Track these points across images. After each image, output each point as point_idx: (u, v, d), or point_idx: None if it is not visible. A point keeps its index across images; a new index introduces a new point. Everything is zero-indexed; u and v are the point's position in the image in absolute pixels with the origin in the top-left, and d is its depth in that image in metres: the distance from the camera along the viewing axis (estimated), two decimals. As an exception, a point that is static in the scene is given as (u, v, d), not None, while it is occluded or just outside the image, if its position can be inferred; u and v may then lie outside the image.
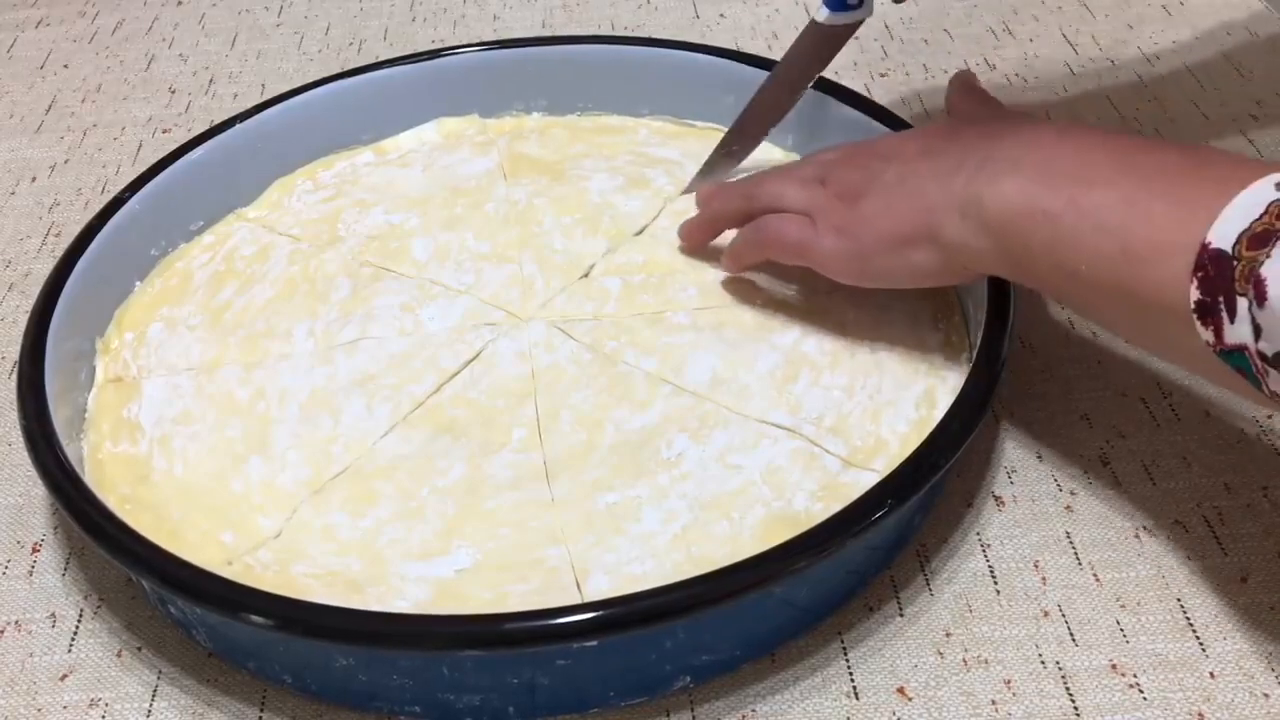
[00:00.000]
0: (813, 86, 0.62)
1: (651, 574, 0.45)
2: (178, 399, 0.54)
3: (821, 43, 0.60)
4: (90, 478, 0.50)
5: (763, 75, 0.63)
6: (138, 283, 0.61)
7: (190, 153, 0.63)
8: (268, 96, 0.69)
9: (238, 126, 0.65)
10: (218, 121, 0.66)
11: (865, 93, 0.64)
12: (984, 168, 0.45)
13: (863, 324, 0.55)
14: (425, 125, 0.70)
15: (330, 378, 0.55)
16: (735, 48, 0.78)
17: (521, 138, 0.70)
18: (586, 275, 0.60)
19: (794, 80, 0.61)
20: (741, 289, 0.58)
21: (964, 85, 0.56)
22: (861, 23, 0.59)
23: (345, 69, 0.69)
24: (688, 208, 0.62)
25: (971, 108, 0.54)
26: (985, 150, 0.46)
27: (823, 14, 0.58)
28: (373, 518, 0.49)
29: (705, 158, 0.64)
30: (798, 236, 0.52)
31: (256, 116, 0.65)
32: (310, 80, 0.68)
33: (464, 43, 0.71)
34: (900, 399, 0.52)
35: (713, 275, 0.59)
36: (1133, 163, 0.42)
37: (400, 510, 0.49)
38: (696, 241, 0.60)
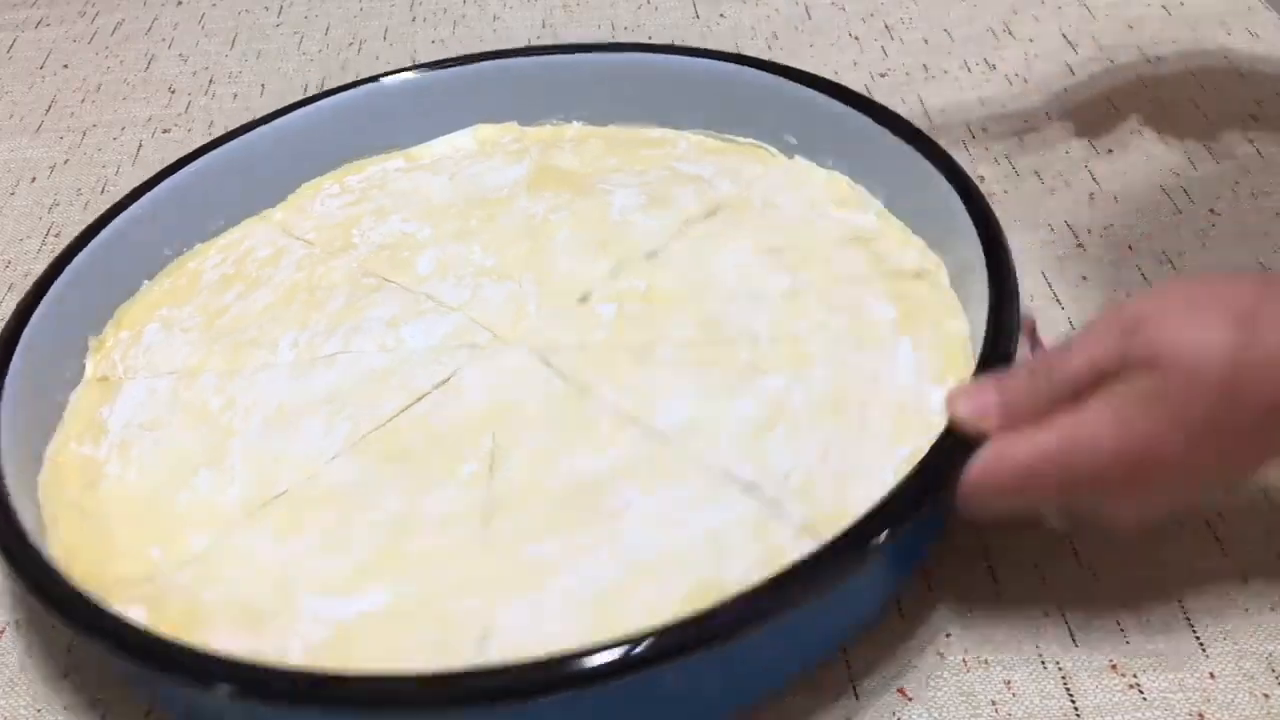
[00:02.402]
0: (812, 87, 0.62)
1: (561, 635, 0.41)
2: (152, 403, 0.53)
3: None
4: (44, 477, 0.49)
5: (811, 93, 0.61)
6: (145, 281, 0.60)
7: (213, 150, 0.62)
8: (267, 97, 0.69)
9: (265, 126, 0.63)
10: (217, 122, 0.66)
11: (865, 93, 0.64)
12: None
13: (862, 373, 0.51)
14: (462, 131, 0.68)
15: (299, 393, 0.53)
16: (735, 48, 0.78)
17: (556, 147, 0.67)
18: (584, 299, 0.57)
19: None
20: (740, 326, 0.54)
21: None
22: None
23: (344, 69, 0.69)
24: (707, 231, 0.60)
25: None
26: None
27: None
28: (296, 546, 0.47)
29: (741, 174, 0.62)
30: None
31: (286, 116, 0.64)
32: (310, 80, 0.68)
33: (507, 47, 0.69)
34: (880, 465, 0.47)
35: (714, 309, 0.55)
36: None
37: (324, 542, 0.47)
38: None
